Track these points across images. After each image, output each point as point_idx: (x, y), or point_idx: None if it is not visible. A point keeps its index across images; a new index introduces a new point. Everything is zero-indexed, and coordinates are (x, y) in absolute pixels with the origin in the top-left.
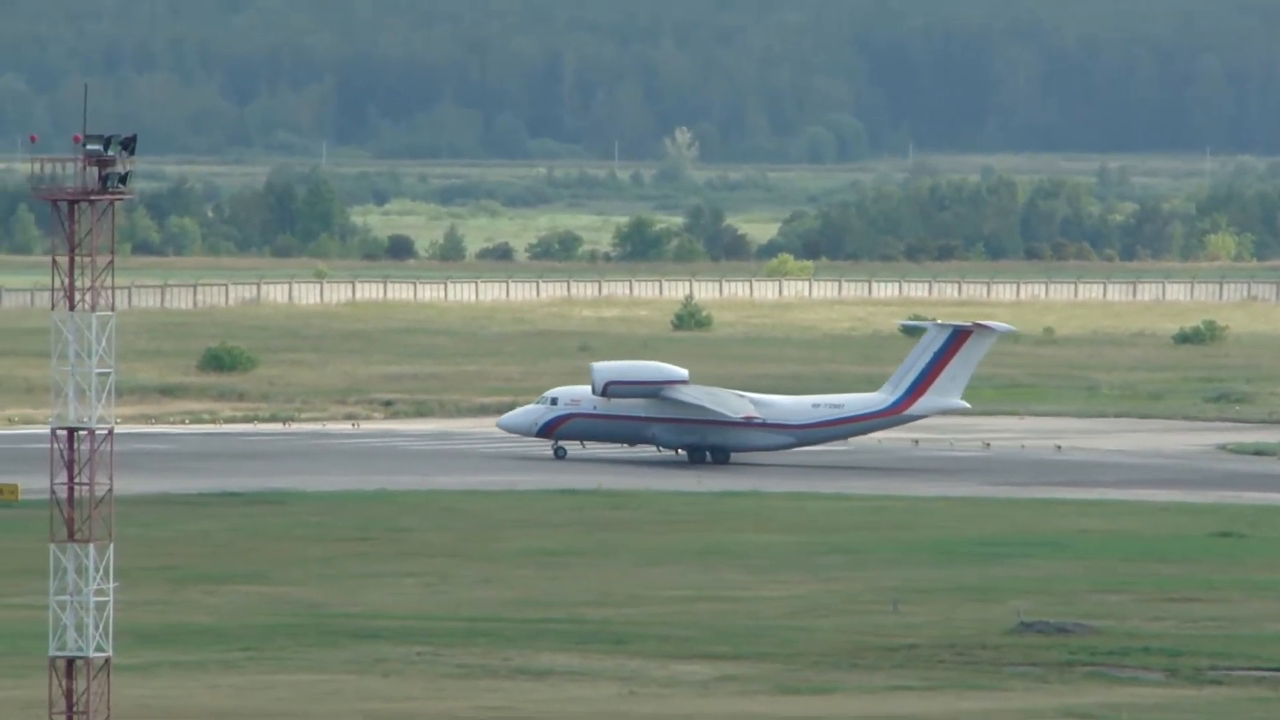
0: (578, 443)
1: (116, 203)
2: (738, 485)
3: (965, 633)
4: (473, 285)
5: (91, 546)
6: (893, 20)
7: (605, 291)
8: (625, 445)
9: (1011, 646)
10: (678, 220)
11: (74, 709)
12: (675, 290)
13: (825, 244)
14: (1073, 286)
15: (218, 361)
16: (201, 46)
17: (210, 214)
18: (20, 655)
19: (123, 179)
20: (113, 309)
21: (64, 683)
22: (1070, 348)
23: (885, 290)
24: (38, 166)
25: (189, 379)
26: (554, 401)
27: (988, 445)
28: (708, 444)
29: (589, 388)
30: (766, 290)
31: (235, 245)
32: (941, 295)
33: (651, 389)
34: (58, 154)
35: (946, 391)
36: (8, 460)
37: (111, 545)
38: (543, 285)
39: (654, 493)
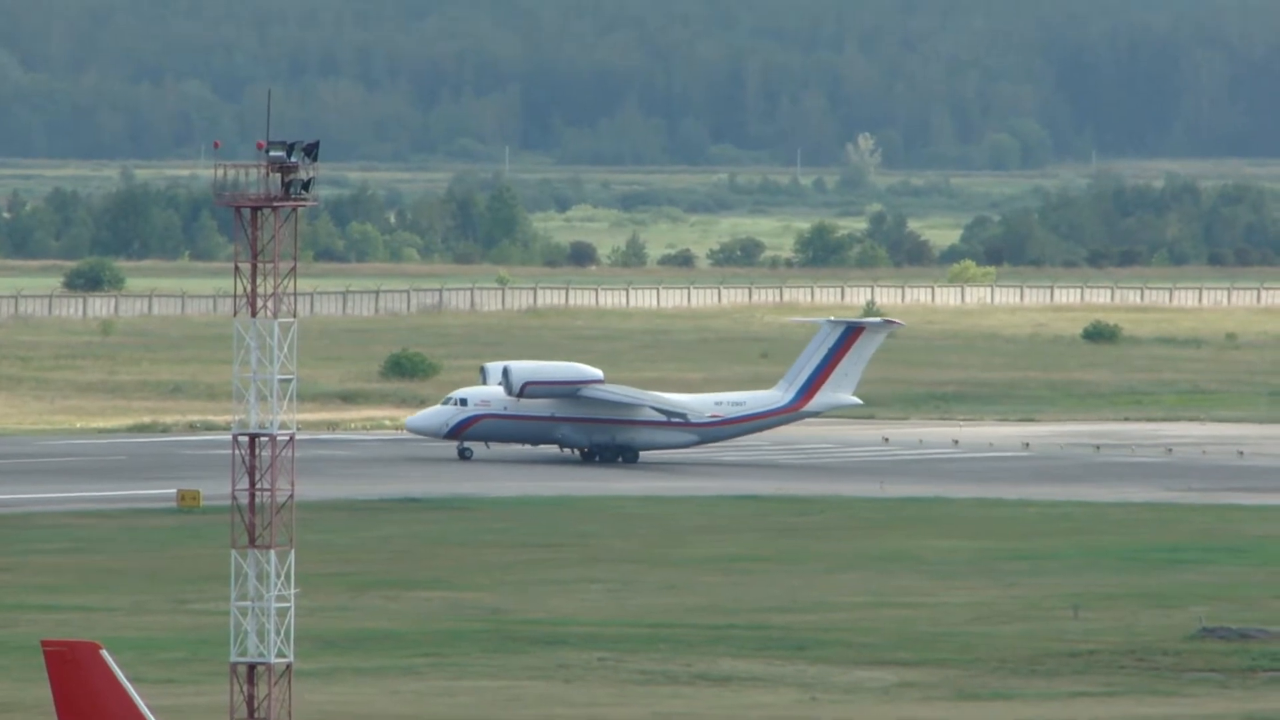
0: (482, 444)
1: (299, 209)
2: (920, 491)
3: (1146, 638)
4: (654, 291)
5: (273, 552)
6: (1077, 26)
7: (787, 297)
8: (529, 445)
9: (1192, 652)
10: (860, 226)
11: (255, 714)
12: (857, 296)
13: (1008, 250)
14: (1256, 293)
15: (399, 368)
16: (386, 53)
17: (392, 220)
18: (201, 661)
19: (305, 185)
20: (295, 315)
21: (245, 688)
22: (1253, 353)
23: (1068, 296)
24: (221, 173)
25: (370, 385)
26: (463, 402)
27: (1170, 451)
28: (617, 443)
29: (497, 389)
30: (949, 296)
31: (417, 252)
32: (1124, 301)
33: (569, 389)
34: (241, 160)
35: (840, 387)
36: (190, 466)
37: (293, 551)
38: (724, 291)
39: (837, 498)
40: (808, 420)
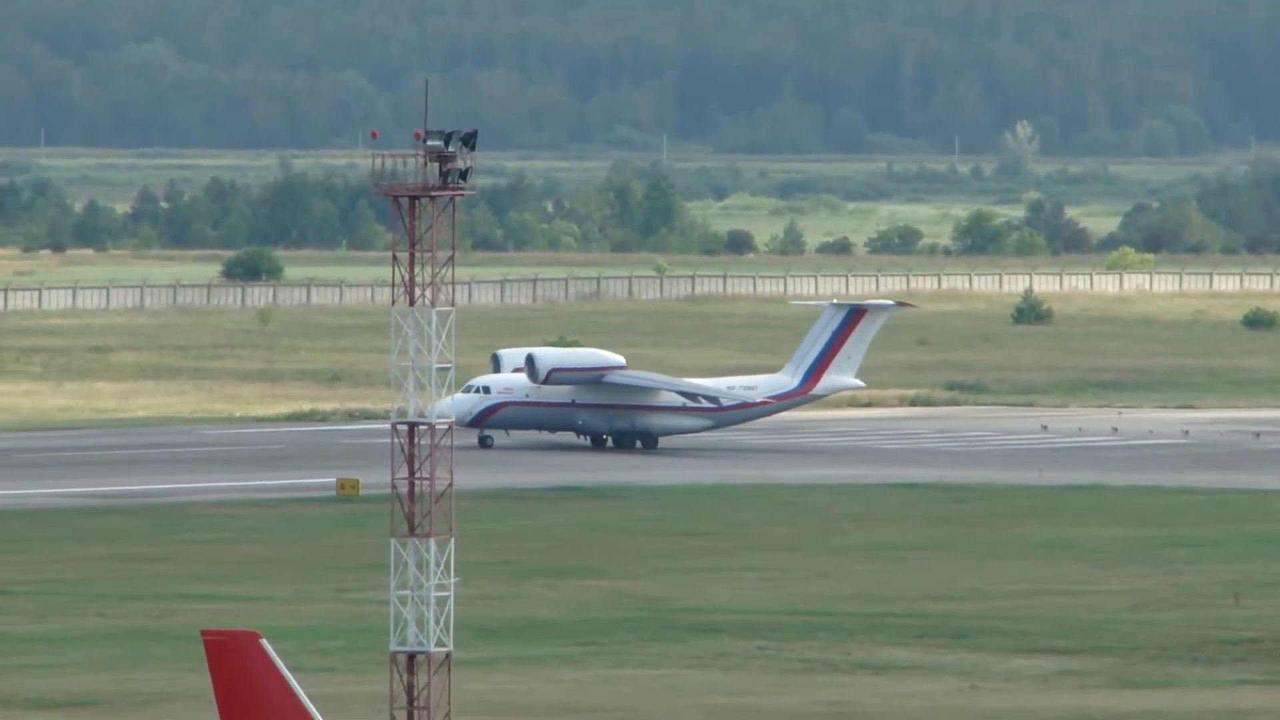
0: (502, 432)
1: (457, 198)
2: (1079, 478)
3: None
4: (812, 279)
5: (432, 541)
6: (1234, 12)
7: (945, 285)
8: (548, 433)
9: None
10: (1018, 213)
11: (415, 703)
12: (1014, 284)
13: (1166, 237)
14: None
15: None
16: (543, 42)
17: (550, 209)
18: (361, 650)
19: (463, 175)
20: (453, 304)
21: (405, 677)
22: None
23: (1226, 283)
24: (379, 162)
25: None
26: (485, 390)
27: None
28: (636, 429)
29: (517, 376)
30: (1107, 284)
31: (575, 240)
32: None
33: (593, 376)
34: (399, 150)
35: (843, 370)
36: (349, 455)
37: (453, 540)
38: (882, 279)
39: (995, 486)
40: (965, 407)
